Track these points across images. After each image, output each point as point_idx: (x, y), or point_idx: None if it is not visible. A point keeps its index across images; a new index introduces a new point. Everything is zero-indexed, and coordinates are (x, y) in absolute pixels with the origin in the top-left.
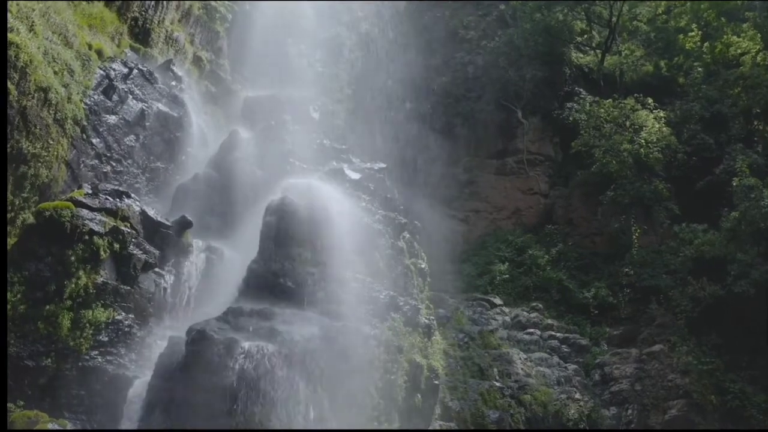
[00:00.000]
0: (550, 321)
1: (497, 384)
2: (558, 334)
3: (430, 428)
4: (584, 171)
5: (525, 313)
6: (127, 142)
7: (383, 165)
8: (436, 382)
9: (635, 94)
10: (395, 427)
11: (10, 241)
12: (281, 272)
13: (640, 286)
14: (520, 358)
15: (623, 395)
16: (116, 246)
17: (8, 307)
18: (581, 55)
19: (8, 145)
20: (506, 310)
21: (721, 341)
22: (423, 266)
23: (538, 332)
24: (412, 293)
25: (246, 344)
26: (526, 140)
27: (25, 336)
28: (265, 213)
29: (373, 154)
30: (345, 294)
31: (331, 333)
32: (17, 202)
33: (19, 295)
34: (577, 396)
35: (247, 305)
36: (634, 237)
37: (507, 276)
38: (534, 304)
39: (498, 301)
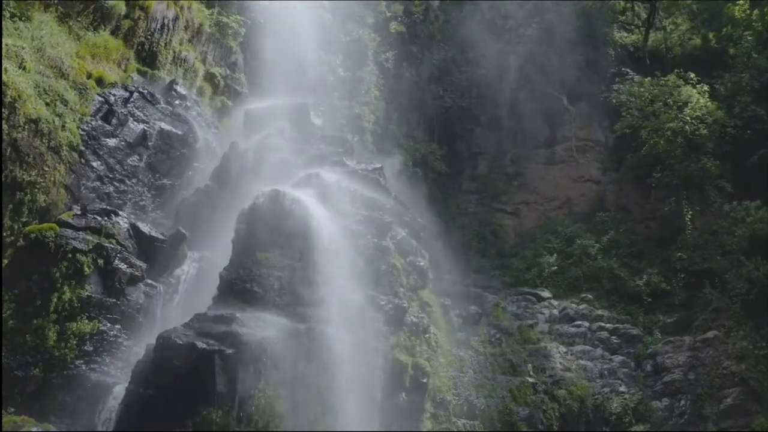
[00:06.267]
0: (600, 312)
1: (530, 380)
2: (607, 325)
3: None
4: (635, 154)
5: (573, 305)
6: (131, 162)
7: (378, 165)
8: (424, 380)
9: (677, 70)
10: (375, 426)
11: (5, 262)
12: (248, 277)
13: (693, 270)
14: (559, 352)
15: (676, 385)
16: (100, 262)
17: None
18: (625, 35)
19: (2, 175)
20: (555, 303)
21: None
22: (421, 263)
23: (587, 324)
24: (397, 292)
25: (201, 347)
26: (574, 127)
27: (14, 348)
28: (236, 221)
29: (412, 152)
30: (313, 296)
31: (289, 334)
32: (16, 227)
33: (9, 311)
34: (622, 389)
35: (213, 311)
36: (687, 219)
37: (556, 268)
38: (584, 295)
39: (546, 294)
